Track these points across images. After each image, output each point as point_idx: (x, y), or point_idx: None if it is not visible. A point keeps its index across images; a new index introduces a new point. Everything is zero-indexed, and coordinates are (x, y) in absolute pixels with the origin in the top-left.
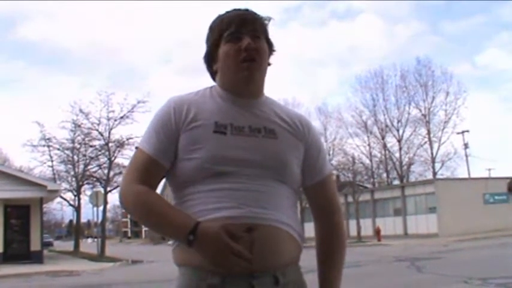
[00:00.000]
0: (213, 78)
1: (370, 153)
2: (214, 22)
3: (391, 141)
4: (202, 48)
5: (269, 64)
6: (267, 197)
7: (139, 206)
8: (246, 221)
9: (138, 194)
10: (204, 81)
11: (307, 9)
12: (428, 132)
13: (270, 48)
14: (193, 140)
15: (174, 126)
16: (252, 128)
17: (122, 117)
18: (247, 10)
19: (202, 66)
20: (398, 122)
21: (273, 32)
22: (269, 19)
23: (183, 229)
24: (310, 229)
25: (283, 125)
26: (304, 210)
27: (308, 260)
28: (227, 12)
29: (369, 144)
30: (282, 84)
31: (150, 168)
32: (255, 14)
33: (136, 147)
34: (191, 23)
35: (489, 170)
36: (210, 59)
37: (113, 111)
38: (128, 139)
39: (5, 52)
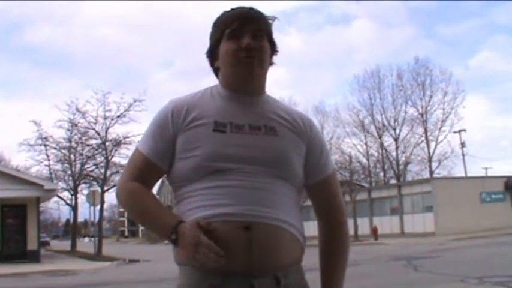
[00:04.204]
0: (216, 75)
1: (367, 152)
2: (218, 18)
3: (388, 140)
4: (205, 50)
5: (271, 63)
6: (267, 195)
7: (130, 204)
8: (243, 218)
9: (130, 193)
10: (206, 83)
11: (304, 14)
12: (425, 131)
13: (273, 48)
14: (192, 139)
15: (171, 129)
16: (252, 126)
17: (118, 116)
18: (252, 8)
19: (205, 69)
20: (395, 121)
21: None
22: (274, 18)
23: (167, 229)
24: (308, 228)
25: (284, 123)
26: (302, 209)
27: (307, 258)
28: (232, 9)
29: (366, 144)
30: (279, 86)
31: (145, 168)
32: (260, 12)
33: (136, 148)
34: (194, 26)
35: (486, 169)
36: (212, 55)
37: (110, 110)
38: (124, 138)
39: (9, 54)
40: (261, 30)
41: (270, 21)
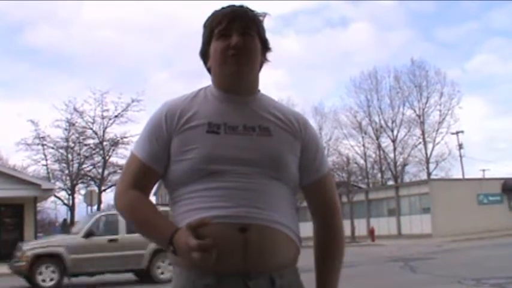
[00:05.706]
0: (211, 75)
1: (365, 154)
2: (208, 18)
3: (385, 141)
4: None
5: (265, 61)
6: (263, 196)
7: (128, 213)
8: (239, 220)
9: (127, 200)
10: (205, 84)
11: (302, 16)
12: (423, 133)
13: (265, 45)
14: (186, 142)
15: (165, 132)
16: (246, 127)
17: (116, 116)
18: (241, 6)
19: (203, 70)
20: (392, 122)
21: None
22: (264, 15)
23: (164, 240)
24: (304, 229)
25: (278, 122)
26: (298, 210)
27: (303, 259)
28: (222, 8)
29: (363, 145)
30: (277, 88)
31: (142, 173)
32: (249, 10)
33: (131, 152)
34: (193, 27)
35: (483, 170)
36: (205, 55)
37: (108, 110)
38: (122, 138)
39: (10, 55)
40: (250, 28)
41: (261, 18)
